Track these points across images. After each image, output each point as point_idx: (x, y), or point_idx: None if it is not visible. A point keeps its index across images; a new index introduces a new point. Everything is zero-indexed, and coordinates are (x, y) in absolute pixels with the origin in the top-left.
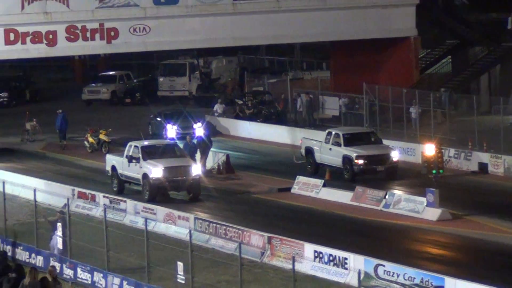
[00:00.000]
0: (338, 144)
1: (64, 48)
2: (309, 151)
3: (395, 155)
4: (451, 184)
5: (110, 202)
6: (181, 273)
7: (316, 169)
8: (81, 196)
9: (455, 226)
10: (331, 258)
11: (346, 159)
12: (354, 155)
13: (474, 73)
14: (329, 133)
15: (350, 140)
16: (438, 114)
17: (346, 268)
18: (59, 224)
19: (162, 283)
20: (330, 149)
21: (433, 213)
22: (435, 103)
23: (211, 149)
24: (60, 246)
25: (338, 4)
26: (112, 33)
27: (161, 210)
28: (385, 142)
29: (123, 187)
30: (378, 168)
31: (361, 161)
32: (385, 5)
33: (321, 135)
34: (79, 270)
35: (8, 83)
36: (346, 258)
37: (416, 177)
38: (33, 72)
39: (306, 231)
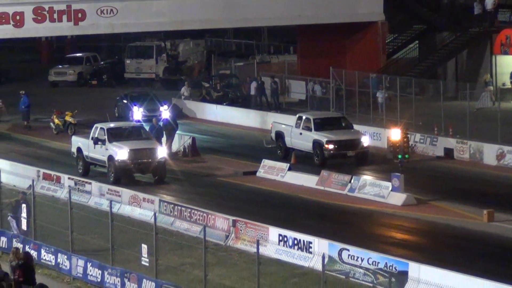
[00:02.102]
0: (309, 129)
1: (31, 29)
2: (279, 136)
3: (365, 140)
4: (416, 169)
5: (75, 184)
6: (145, 255)
7: (286, 154)
8: (46, 177)
9: (420, 211)
10: (295, 242)
11: (317, 144)
12: (324, 140)
13: (441, 58)
14: (300, 118)
15: (321, 125)
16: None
17: (310, 252)
18: (23, 205)
19: (127, 265)
20: (301, 133)
21: (398, 198)
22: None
23: (177, 131)
24: (24, 227)
25: None
26: (79, 15)
27: (126, 192)
28: None
29: (88, 169)
30: (348, 153)
31: (331, 146)
32: None
33: (289, 119)
34: (43, 251)
35: None
36: (310, 242)
37: (382, 162)
38: None
39: (271, 214)
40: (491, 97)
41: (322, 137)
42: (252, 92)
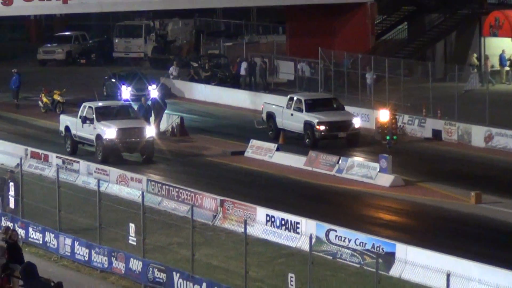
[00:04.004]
0: (300, 110)
1: (20, 7)
2: (271, 116)
3: (356, 122)
4: (404, 150)
5: (63, 162)
6: (133, 234)
7: (277, 134)
8: (34, 156)
9: (408, 192)
10: (283, 222)
11: (308, 125)
12: (315, 121)
13: (430, 40)
14: (291, 99)
15: (312, 106)
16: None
17: (297, 233)
18: (11, 184)
19: (114, 244)
20: (292, 114)
21: (386, 179)
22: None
23: (165, 111)
24: (11, 205)
25: None
26: None
27: (114, 171)
28: None
29: (76, 147)
30: (339, 135)
31: (322, 127)
32: None
33: (277, 99)
34: (30, 230)
35: None
36: (298, 223)
37: (370, 143)
38: None
39: (259, 194)
40: (479, 79)
41: (313, 118)
42: (242, 72)
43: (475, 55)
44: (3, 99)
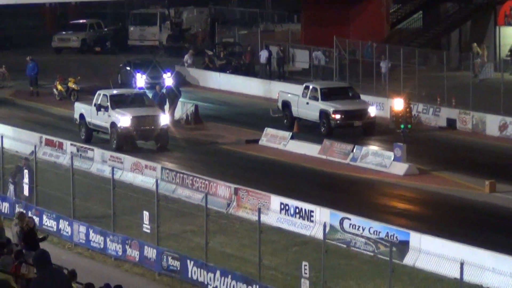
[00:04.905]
0: (316, 99)
1: None
2: (286, 105)
3: (372, 111)
4: (419, 139)
5: (78, 150)
6: (147, 222)
7: (292, 123)
8: (49, 143)
9: (422, 181)
10: (297, 210)
11: (323, 114)
12: (331, 109)
13: (445, 29)
14: (307, 87)
15: (328, 95)
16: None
17: (312, 221)
18: (25, 171)
19: (128, 232)
20: (307, 103)
21: (400, 168)
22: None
23: (180, 99)
24: (26, 193)
25: None
26: None
27: (128, 159)
28: None
29: (91, 135)
30: (355, 123)
31: (338, 116)
32: None
33: (291, 87)
34: (44, 217)
35: None
36: (312, 211)
37: (385, 132)
38: (2, 18)
39: (273, 183)
40: (477, 69)
41: (329, 107)
42: (263, 61)
43: (475, 44)
44: (18, 86)
